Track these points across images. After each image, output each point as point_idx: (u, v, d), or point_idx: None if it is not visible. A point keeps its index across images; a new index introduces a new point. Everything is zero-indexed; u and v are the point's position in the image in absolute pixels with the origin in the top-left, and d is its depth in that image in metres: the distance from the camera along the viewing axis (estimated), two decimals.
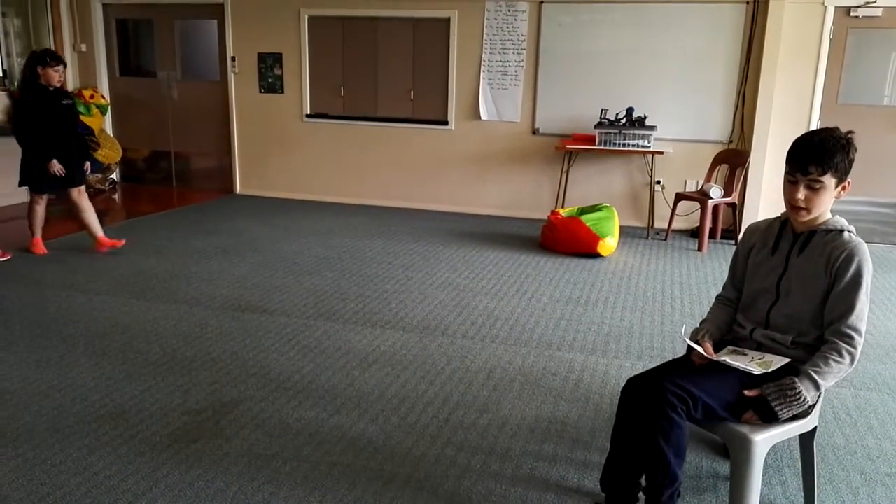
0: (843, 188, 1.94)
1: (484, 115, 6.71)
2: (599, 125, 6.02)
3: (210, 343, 3.48)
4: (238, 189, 7.61)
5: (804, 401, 1.89)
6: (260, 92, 7.31)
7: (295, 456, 2.47)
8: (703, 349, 2.06)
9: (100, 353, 3.34)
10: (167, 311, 3.93)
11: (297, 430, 2.66)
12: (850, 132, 1.93)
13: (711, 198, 5.61)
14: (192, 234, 5.77)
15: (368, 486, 2.31)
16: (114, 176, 7.79)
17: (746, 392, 1.91)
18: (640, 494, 2.05)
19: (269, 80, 7.25)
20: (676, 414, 1.84)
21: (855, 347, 1.91)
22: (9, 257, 4.86)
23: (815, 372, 1.89)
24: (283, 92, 7.24)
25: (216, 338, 3.55)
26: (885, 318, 4.14)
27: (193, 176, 7.89)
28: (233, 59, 7.28)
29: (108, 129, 7.81)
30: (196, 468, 2.38)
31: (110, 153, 7.53)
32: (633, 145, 5.95)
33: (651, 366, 2.17)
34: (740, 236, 2.23)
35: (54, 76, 4.69)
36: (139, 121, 7.87)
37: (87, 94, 7.37)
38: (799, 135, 1.98)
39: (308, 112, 7.22)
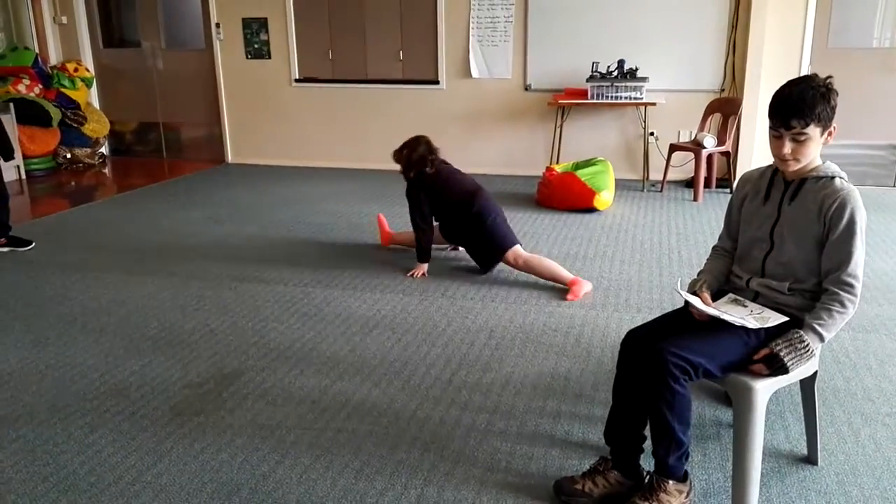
0: (830, 134, 1.91)
1: (475, 73, 6.60)
2: (591, 79, 5.92)
3: (208, 315, 3.47)
4: (230, 158, 7.53)
5: (811, 351, 1.89)
6: (247, 58, 7.17)
7: (299, 424, 2.48)
8: (701, 299, 2.05)
9: (97, 330, 3.33)
10: (163, 284, 3.92)
11: (299, 398, 2.66)
12: (828, 78, 1.89)
13: (705, 147, 5.56)
14: (185, 205, 5.72)
15: (374, 450, 2.32)
16: (102, 150, 7.68)
17: (757, 356, 1.91)
18: (645, 445, 2.06)
19: (256, 46, 7.11)
20: (679, 385, 1.84)
21: (855, 295, 1.91)
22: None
23: (820, 325, 1.89)
24: (270, 57, 7.11)
25: (214, 309, 3.54)
26: (880, 259, 4.14)
27: (184, 146, 7.80)
28: (217, 25, 7.12)
29: (95, 103, 7.68)
30: (200, 441, 2.39)
31: (97, 127, 7.43)
32: (626, 98, 5.87)
33: (651, 318, 2.16)
34: (734, 186, 2.20)
35: None
36: (125, 93, 7.74)
37: (70, 67, 7.23)
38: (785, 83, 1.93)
39: (297, 77, 7.10)
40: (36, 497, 2.12)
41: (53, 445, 2.39)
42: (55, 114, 6.95)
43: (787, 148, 1.89)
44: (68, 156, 7.24)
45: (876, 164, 5.98)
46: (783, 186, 2.02)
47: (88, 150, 7.40)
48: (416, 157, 3.94)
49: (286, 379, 2.81)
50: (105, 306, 3.61)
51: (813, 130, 1.86)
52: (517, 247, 3.84)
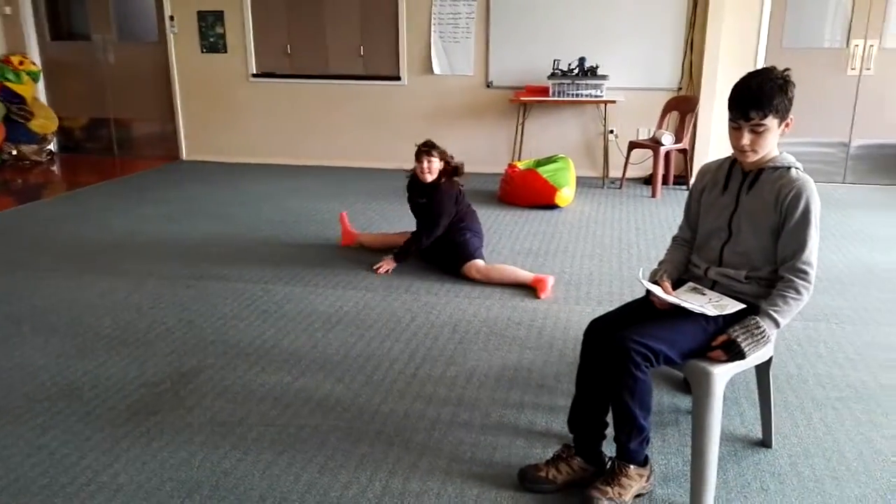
0: (787, 125, 1.96)
1: (437, 69, 6.59)
2: (552, 76, 5.97)
3: (165, 313, 3.39)
4: (184, 155, 7.36)
5: (767, 337, 1.94)
6: (202, 52, 7.02)
7: (261, 421, 2.44)
8: (662, 288, 2.09)
9: (48, 330, 3.21)
10: (116, 283, 3.80)
11: (261, 395, 2.61)
12: (786, 70, 1.94)
13: (663, 144, 5.66)
14: (138, 203, 5.57)
15: (338, 444, 2.30)
16: (51, 147, 7.43)
17: (715, 342, 1.95)
18: (607, 432, 2.09)
19: (211, 40, 6.96)
20: (641, 372, 1.88)
21: (809, 282, 1.96)
22: None
23: (775, 311, 1.94)
24: (226, 51, 6.97)
25: (171, 308, 3.45)
26: (830, 252, 4.27)
27: (136, 143, 7.59)
28: (171, 18, 6.95)
29: (42, 98, 7.42)
30: (158, 440, 2.32)
31: (45, 123, 7.18)
32: (586, 95, 5.93)
33: (612, 309, 2.18)
34: (693, 178, 2.25)
35: None
36: (75, 87, 7.50)
37: (15, 60, 6.96)
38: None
39: (254, 72, 6.98)
40: None
41: (2, 448, 2.29)
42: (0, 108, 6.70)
43: (746, 139, 1.93)
44: (14, 152, 6.99)
45: (826, 161, 6.17)
46: (741, 177, 2.07)
47: (35, 147, 7.15)
48: (458, 164, 3.96)
49: (247, 376, 2.76)
50: (55, 306, 3.49)
51: (771, 121, 1.91)
52: (478, 260, 3.83)
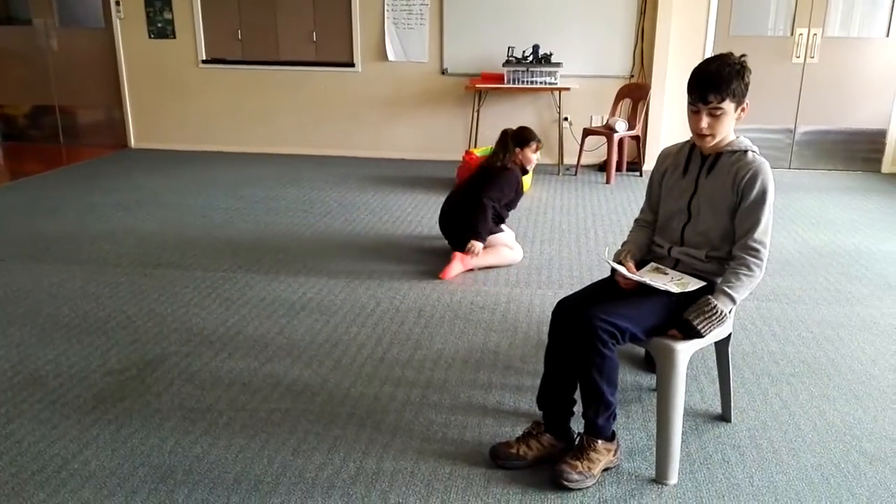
0: (743, 110, 2.05)
1: (391, 56, 6.57)
2: (507, 63, 6.03)
3: (124, 302, 3.33)
4: (133, 143, 7.16)
5: (722, 314, 2.02)
6: (150, 37, 6.83)
7: (230, 406, 2.43)
8: (626, 268, 2.16)
9: (4, 320, 3.12)
10: (71, 272, 3.71)
11: (229, 381, 2.61)
12: (742, 56, 2.03)
13: (617, 132, 5.79)
14: (88, 192, 5.42)
15: (310, 427, 2.31)
16: None
17: (671, 331, 2.03)
18: (575, 409, 2.16)
19: (159, 25, 6.78)
20: (608, 349, 1.95)
21: (762, 259, 2.05)
22: None
23: (729, 287, 2.02)
24: (174, 37, 6.80)
25: (130, 296, 3.39)
26: (779, 235, 4.47)
27: (82, 131, 7.34)
28: (117, 2, 6.74)
29: None
30: (127, 427, 2.30)
31: None
32: (541, 82, 6.02)
33: (573, 292, 2.25)
34: (654, 162, 2.33)
35: None
36: (15, 74, 7.20)
37: None
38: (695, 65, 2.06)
39: (204, 58, 6.83)
40: None
41: None
42: None
43: (705, 122, 2.01)
44: None
45: (773, 147, 6.41)
46: (700, 161, 2.16)
47: None
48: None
49: (212, 363, 2.75)
50: (10, 295, 3.39)
51: (728, 105, 1.99)
52: (480, 244, 3.79)
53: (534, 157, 3.98)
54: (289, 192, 5.43)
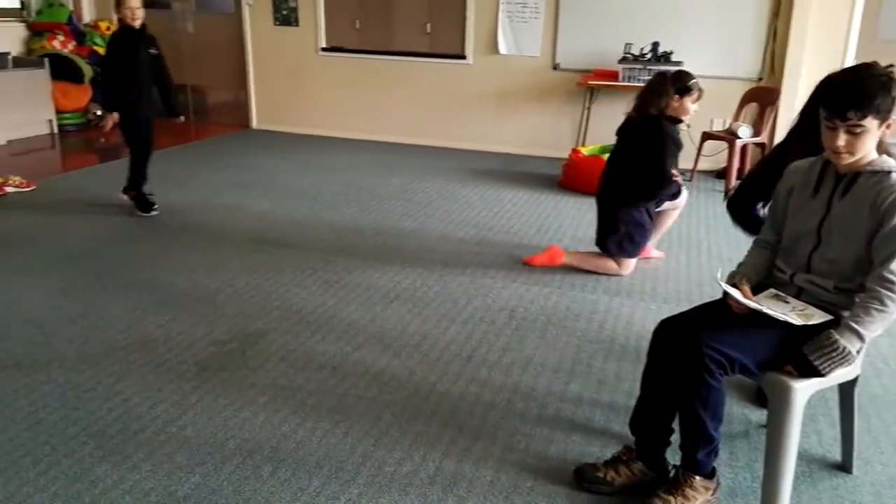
0: (888, 127, 1.81)
1: (503, 49, 6.51)
2: (623, 60, 5.83)
3: (233, 275, 3.49)
4: (254, 124, 7.52)
5: (846, 353, 1.80)
6: (275, 24, 7.12)
7: (319, 389, 2.49)
8: (741, 291, 1.98)
9: (126, 283, 3.36)
10: (190, 243, 3.93)
11: (320, 363, 2.67)
12: (889, 66, 1.78)
13: (740, 137, 5.47)
14: (212, 168, 5.73)
15: (393, 420, 2.32)
16: None
17: (787, 367, 1.85)
18: (672, 438, 2.01)
19: (284, 13, 7.06)
20: (714, 380, 1.79)
21: None
22: (34, 187, 4.86)
23: (857, 322, 1.80)
24: (297, 25, 7.05)
25: (239, 270, 3.55)
26: None
27: (210, 110, 7.79)
28: None
29: None
30: (224, 397, 2.41)
31: None
32: None
33: (678, 309, 2.10)
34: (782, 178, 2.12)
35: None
36: None
37: (103, 26, 7.29)
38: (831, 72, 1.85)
39: (323, 46, 7.04)
40: (66, 439, 2.16)
41: (83, 391, 2.43)
42: (87, 71, 7.00)
43: (842, 140, 1.79)
44: (98, 112, 7.24)
45: None
46: (834, 180, 1.92)
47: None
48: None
49: (308, 343, 2.82)
50: (134, 260, 3.64)
51: (870, 122, 1.76)
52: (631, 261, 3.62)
53: (692, 107, 3.42)
54: (393, 180, 5.51)
